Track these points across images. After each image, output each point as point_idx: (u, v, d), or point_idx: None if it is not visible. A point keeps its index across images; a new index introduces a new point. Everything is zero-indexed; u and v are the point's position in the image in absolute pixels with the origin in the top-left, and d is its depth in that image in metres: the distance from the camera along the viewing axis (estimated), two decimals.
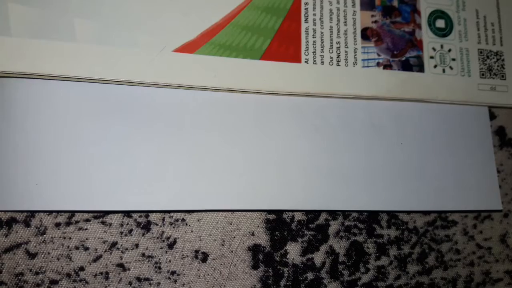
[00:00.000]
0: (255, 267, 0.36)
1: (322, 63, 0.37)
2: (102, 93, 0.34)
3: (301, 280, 0.37)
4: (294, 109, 0.37)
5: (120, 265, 0.34)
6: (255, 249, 0.36)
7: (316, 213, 0.38)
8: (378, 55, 0.39)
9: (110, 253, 0.34)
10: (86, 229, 0.34)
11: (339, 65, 0.38)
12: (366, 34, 0.39)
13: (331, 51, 0.38)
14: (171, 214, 0.35)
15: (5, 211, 0.33)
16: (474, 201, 0.39)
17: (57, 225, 0.34)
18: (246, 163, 0.35)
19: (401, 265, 0.39)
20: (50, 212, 0.34)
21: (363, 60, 0.38)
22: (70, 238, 0.34)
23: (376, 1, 0.39)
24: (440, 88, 0.39)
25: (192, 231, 0.36)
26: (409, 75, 0.39)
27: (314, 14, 0.38)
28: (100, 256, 0.34)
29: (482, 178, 0.39)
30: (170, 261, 0.35)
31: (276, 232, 0.37)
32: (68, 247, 0.34)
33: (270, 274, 0.36)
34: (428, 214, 0.40)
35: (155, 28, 0.35)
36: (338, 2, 0.38)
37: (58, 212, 0.34)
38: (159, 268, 0.35)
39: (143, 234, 0.35)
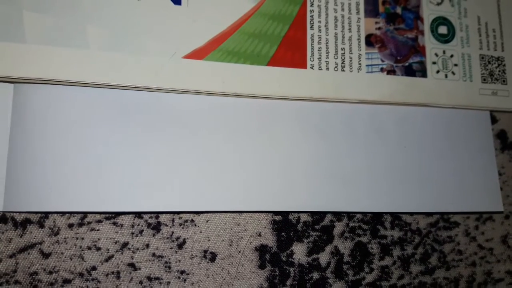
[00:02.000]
0: (262, 266, 0.37)
1: (327, 68, 0.38)
2: (113, 98, 0.35)
3: (307, 279, 0.37)
4: (299, 113, 0.38)
5: (131, 265, 0.35)
6: (262, 249, 0.37)
7: (322, 214, 0.38)
8: (382, 60, 0.39)
9: (122, 253, 0.35)
10: (98, 229, 0.35)
11: (343, 70, 0.38)
12: (370, 41, 0.40)
13: (336, 57, 0.39)
14: (181, 215, 0.36)
15: (20, 212, 0.34)
16: (476, 203, 0.39)
17: (70, 226, 0.35)
18: (253, 165, 0.36)
19: (404, 265, 0.39)
20: (63, 213, 0.35)
21: (367, 65, 0.39)
22: (82, 238, 0.35)
23: (380, 8, 0.40)
24: (442, 93, 0.40)
25: (201, 232, 0.36)
26: (412, 80, 0.40)
27: (319, 21, 0.39)
28: (112, 256, 0.35)
29: (484, 181, 0.40)
30: (179, 260, 0.36)
31: (283, 233, 0.38)
32: (80, 247, 0.35)
33: (277, 273, 0.37)
34: (431, 215, 0.40)
35: (165, 35, 0.36)
36: (342, 9, 0.39)
37: (71, 213, 0.35)
38: (169, 267, 0.36)
39: (154, 235, 0.36)
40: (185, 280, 0.36)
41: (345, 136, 0.38)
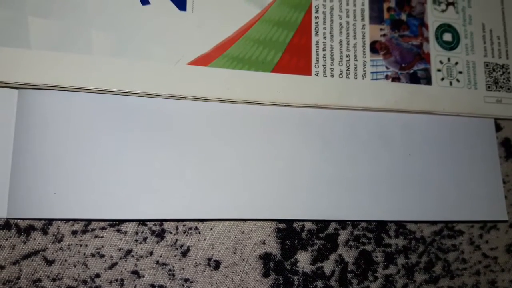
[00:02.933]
0: (266, 275, 0.37)
1: (332, 75, 0.38)
2: (118, 104, 0.35)
3: None
4: (304, 120, 0.38)
5: (135, 272, 0.35)
6: (266, 258, 0.37)
7: (326, 222, 0.38)
8: (387, 68, 0.39)
9: (125, 260, 0.35)
10: (102, 237, 0.35)
11: (348, 77, 0.38)
12: (375, 48, 0.40)
13: (340, 64, 0.38)
14: (185, 222, 0.36)
15: (23, 219, 0.34)
16: (480, 211, 0.39)
17: (74, 232, 0.35)
18: (257, 173, 0.36)
19: (408, 274, 0.39)
20: (67, 220, 0.35)
21: (372, 72, 0.39)
22: (86, 245, 0.35)
23: (385, 15, 0.40)
24: (447, 100, 0.40)
25: (205, 239, 0.36)
26: (417, 87, 0.40)
27: (324, 28, 0.39)
28: (116, 264, 0.35)
29: (488, 189, 0.40)
30: (183, 268, 0.36)
31: (287, 241, 0.38)
32: (84, 254, 0.34)
33: (281, 282, 0.37)
34: (435, 224, 0.40)
35: (170, 41, 0.36)
36: (347, 16, 0.39)
37: (75, 220, 0.35)
38: (173, 275, 0.35)
39: (157, 242, 0.36)
40: None
41: (350, 143, 0.38)
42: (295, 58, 0.38)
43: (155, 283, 0.35)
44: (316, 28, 0.39)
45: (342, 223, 0.39)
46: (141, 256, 0.35)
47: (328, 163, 0.37)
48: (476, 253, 0.41)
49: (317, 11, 0.39)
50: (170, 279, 0.35)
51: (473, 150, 0.41)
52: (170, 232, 0.36)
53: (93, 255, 0.35)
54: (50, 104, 0.34)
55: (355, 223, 0.39)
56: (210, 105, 0.37)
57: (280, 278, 0.37)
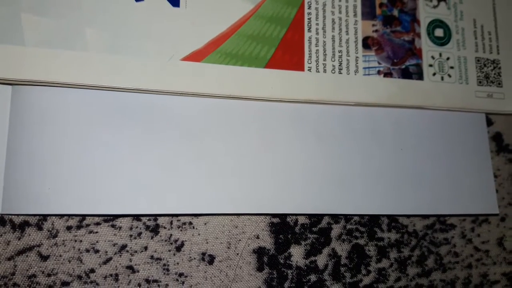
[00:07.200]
0: (260, 269, 0.37)
1: (325, 71, 0.38)
2: (112, 100, 0.35)
3: (304, 282, 0.38)
4: (297, 115, 0.38)
5: (130, 267, 0.35)
6: (260, 252, 0.37)
7: (319, 217, 0.39)
8: (379, 63, 0.40)
9: (120, 255, 0.35)
10: (96, 232, 0.35)
11: (341, 73, 0.39)
12: (367, 43, 0.40)
13: (333, 59, 0.39)
14: (179, 217, 0.36)
15: (18, 215, 0.34)
16: (472, 205, 0.40)
17: (69, 228, 0.35)
18: (251, 168, 0.36)
19: (401, 267, 0.40)
20: (61, 215, 0.35)
21: (364, 68, 0.39)
22: (81, 241, 0.35)
23: (377, 11, 0.41)
24: (438, 95, 0.40)
25: (199, 234, 0.36)
26: (409, 82, 0.40)
27: (317, 24, 0.39)
28: (110, 259, 0.35)
29: (480, 183, 0.40)
30: (178, 263, 0.36)
31: (280, 235, 0.38)
32: (79, 249, 0.35)
33: (275, 276, 0.37)
34: (427, 217, 0.41)
35: (164, 37, 0.36)
36: (340, 12, 0.40)
37: (69, 215, 0.35)
38: (167, 270, 0.36)
39: (152, 237, 0.36)
40: (183, 283, 0.36)
41: (342, 138, 0.39)
42: (288, 53, 0.38)
43: (149, 278, 0.35)
44: (309, 24, 0.39)
45: (335, 217, 0.39)
46: (136, 251, 0.35)
47: (321, 158, 0.38)
48: (468, 246, 0.41)
49: (309, 7, 0.39)
50: (164, 273, 0.36)
51: (465, 144, 0.41)
52: (165, 227, 0.36)
53: (87, 251, 0.35)
54: (44, 100, 0.34)
55: (348, 217, 0.39)
56: (204, 100, 0.37)
57: (274, 272, 0.37)
